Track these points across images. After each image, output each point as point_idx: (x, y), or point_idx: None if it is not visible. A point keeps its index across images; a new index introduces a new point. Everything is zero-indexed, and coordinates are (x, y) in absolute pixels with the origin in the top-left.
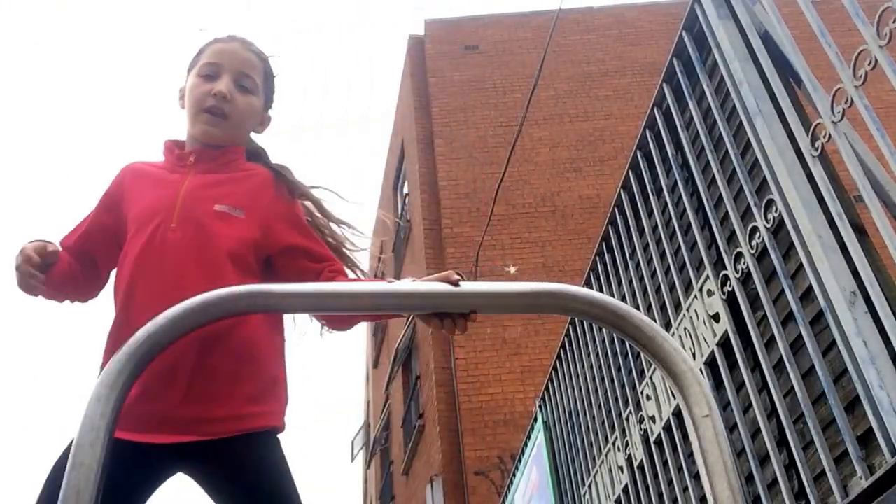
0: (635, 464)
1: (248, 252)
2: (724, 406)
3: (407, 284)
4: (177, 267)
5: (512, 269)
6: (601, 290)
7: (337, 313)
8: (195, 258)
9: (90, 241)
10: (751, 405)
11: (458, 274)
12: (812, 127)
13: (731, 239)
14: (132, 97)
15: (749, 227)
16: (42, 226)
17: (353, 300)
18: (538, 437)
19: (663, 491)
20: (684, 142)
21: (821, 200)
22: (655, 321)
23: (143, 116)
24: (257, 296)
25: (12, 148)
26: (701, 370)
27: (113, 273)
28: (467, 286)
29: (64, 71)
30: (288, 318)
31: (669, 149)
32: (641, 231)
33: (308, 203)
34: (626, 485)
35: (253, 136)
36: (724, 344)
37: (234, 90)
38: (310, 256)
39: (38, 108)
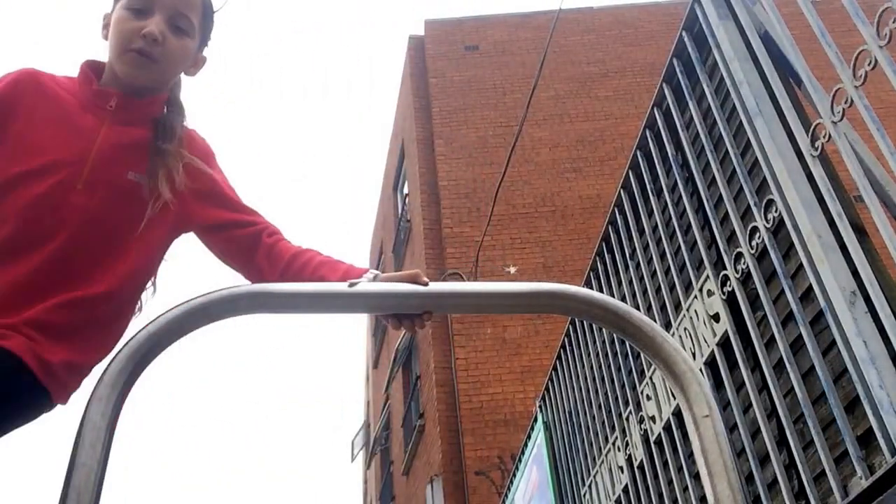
0: (635, 464)
1: (156, 231)
2: (725, 406)
3: (405, 286)
4: (73, 238)
5: (512, 269)
6: (601, 290)
7: (336, 313)
8: (95, 233)
9: None
10: (751, 405)
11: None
12: (812, 127)
13: (731, 239)
14: None
15: (749, 227)
16: None
17: (352, 301)
18: (538, 437)
19: (663, 491)
20: (684, 142)
21: (821, 200)
22: (655, 321)
23: None
24: (258, 296)
25: None
26: (701, 370)
27: None
28: (469, 286)
29: (64, 70)
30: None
31: (669, 149)
32: (641, 231)
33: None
34: (627, 485)
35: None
36: (725, 344)
37: (166, 31)
38: (238, 225)
39: None
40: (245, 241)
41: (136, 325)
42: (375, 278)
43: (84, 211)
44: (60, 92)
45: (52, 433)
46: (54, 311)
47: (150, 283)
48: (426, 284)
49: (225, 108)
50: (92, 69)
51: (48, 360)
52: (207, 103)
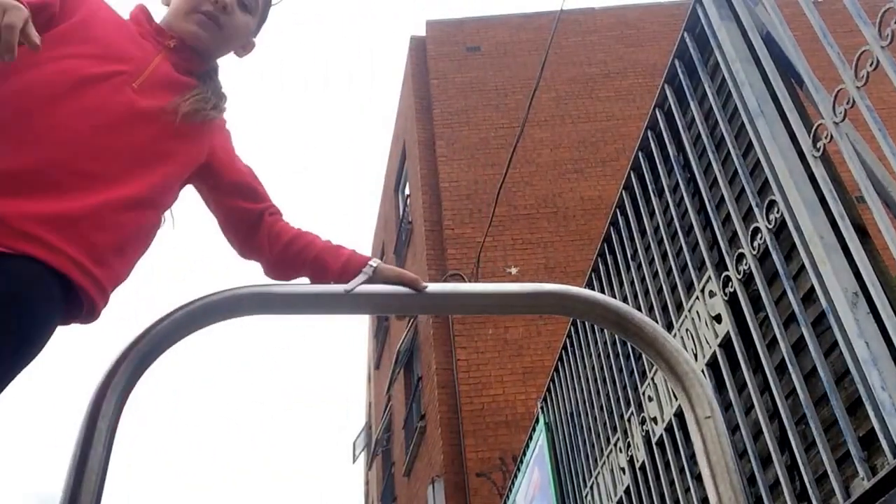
0: (637, 465)
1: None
2: (726, 407)
3: (404, 289)
4: (118, 131)
5: (513, 271)
6: (603, 291)
7: (336, 314)
8: (138, 134)
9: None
10: (753, 406)
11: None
12: (814, 128)
13: (733, 240)
14: None
15: (751, 228)
16: None
17: (355, 302)
18: (540, 439)
19: (665, 492)
20: (686, 142)
21: (822, 201)
22: (657, 322)
23: None
24: (258, 298)
25: None
26: (703, 371)
27: None
28: (471, 287)
29: None
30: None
31: (671, 149)
32: (643, 232)
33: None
34: (628, 486)
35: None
36: (726, 345)
37: (235, 3)
38: (246, 196)
39: None
40: (249, 215)
41: (138, 326)
42: (377, 269)
43: (132, 108)
44: (117, 17)
45: (55, 429)
46: (93, 209)
47: (164, 215)
48: (422, 290)
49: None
50: (149, 15)
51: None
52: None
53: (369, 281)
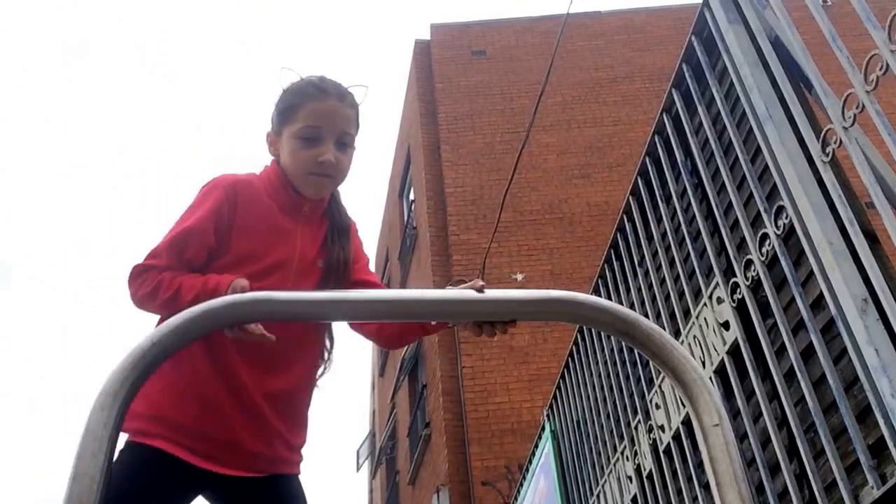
0: (644, 473)
1: None
2: (735, 415)
3: (412, 291)
4: (293, 329)
5: (519, 277)
6: (609, 298)
7: (341, 321)
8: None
9: (196, 262)
10: (761, 414)
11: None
12: (823, 132)
13: (741, 246)
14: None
15: (759, 234)
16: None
17: (354, 307)
18: (546, 447)
19: (672, 501)
20: (693, 147)
21: (832, 207)
22: (664, 329)
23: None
24: (262, 303)
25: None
26: (711, 379)
27: None
28: (473, 294)
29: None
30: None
31: (679, 155)
32: (650, 238)
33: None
34: (635, 494)
35: None
36: (734, 352)
37: (337, 153)
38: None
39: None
40: None
41: (140, 333)
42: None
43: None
44: (262, 197)
45: (56, 433)
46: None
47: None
48: (481, 290)
49: (227, 100)
50: (285, 178)
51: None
52: (212, 95)
53: None
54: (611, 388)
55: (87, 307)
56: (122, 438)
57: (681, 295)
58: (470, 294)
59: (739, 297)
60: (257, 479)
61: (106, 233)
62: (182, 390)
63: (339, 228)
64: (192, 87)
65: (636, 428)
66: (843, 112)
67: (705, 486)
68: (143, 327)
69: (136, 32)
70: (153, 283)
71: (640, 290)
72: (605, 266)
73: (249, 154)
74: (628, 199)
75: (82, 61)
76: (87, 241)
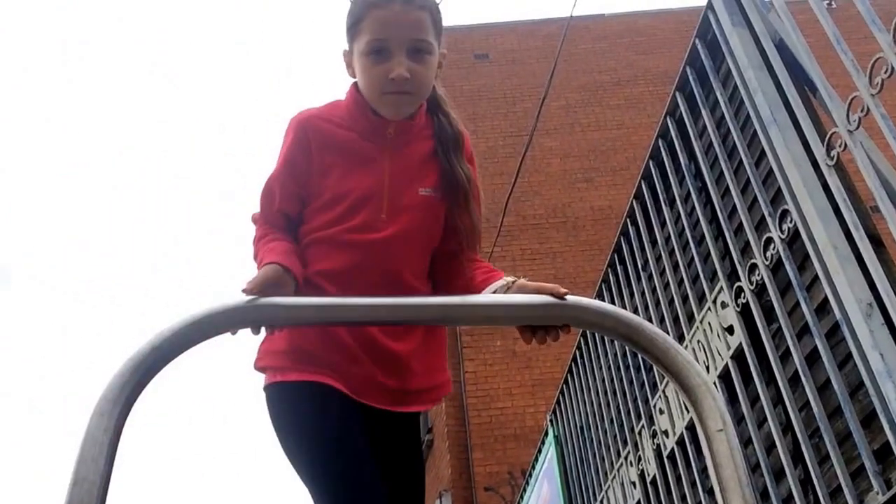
0: (648, 479)
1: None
2: (739, 420)
3: (418, 299)
4: (394, 261)
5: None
6: (613, 303)
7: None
8: (409, 251)
9: (298, 203)
10: (765, 419)
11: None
12: (827, 136)
13: (746, 250)
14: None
15: (763, 238)
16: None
17: (354, 312)
18: (549, 452)
19: None
20: (698, 151)
21: (836, 211)
22: (668, 334)
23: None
24: (265, 308)
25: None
26: (715, 383)
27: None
28: (478, 299)
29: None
30: None
31: (683, 158)
32: (654, 242)
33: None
34: (639, 500)
35: None
36: (739, 357)
37: (410, 64)
38: (460, 241)
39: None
40: (455, 259)
41: (139, 333)
42: (509, 286)
43: (392, 237)
44: (338, 131)
45: (60, 435)
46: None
47: None
48: (562, 296)
49: (228, 100)
50: (364, 100)
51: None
52: (213, 95)
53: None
54: (614, 393)
55: (88, 307)
56: (261, 382)
57: (685, 299)
58: (474, 298)
59: (744, 301)
60: (400, 414)
61: (106, 233)
62: (314, 331)
63: (449, 142)
64: (192, 87)
65: (640, 433)
66: (847, 115)
67: (709, 492)
68: (143, 328)
69: (136, 32)
70: (254, 237)
71: (643, 294)
72: (609, 270)
73: (249, 154)
74: (632, 202)
75: (82, 61)
76: (87, 241)
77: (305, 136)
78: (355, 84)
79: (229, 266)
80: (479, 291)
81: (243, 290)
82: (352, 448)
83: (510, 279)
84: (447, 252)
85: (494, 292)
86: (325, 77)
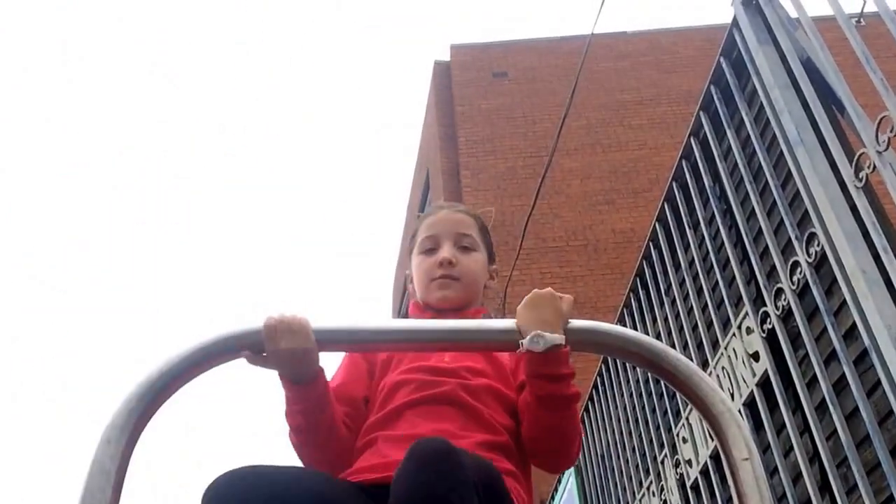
0: None
1: None
2: (765, 449)
3: (428, 322)
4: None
5: None
6: (635, 328)
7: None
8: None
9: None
10: (792, 448)
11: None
12: (856, 157)
13: (771, 274)
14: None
15: (790, 262)
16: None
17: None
18: (569, 482)
19: None
20: (722, 172)
21: (865, 234)
22: (692, 360)
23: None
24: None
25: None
26: (740, 411)
27: None
28: (499, 323)
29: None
30: None
31: (707, 180)
32: (677, 266)
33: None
34: None
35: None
36: (764, 384)
37: (456, 253)
38: None
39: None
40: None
41: (149, 363)
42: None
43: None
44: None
45: (75, 442)
46: None
47: None
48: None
49: (228, 100)
50: (417, 302)
51: None
52: (213, 95)
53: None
54: (636, 421)
55: (88, 307)
56: None
57: (709, 325)
58: (490, 324)
59: (769, 327)
60: None
61: (106, 233)
62: None
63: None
64: (192, 87)
65: (662, 462)
66: (877, 136)
67: None
68: (143, 328)
69: (136, 32)
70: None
71: (666, 319)
72: (631, 295)
73: (250, 154)
74: (655, 225)
75: (82, 61)
76: (87, 240)
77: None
78: (414, 302)
79: (229, 266)
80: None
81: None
82: None
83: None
84: None
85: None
86: (326, 77)
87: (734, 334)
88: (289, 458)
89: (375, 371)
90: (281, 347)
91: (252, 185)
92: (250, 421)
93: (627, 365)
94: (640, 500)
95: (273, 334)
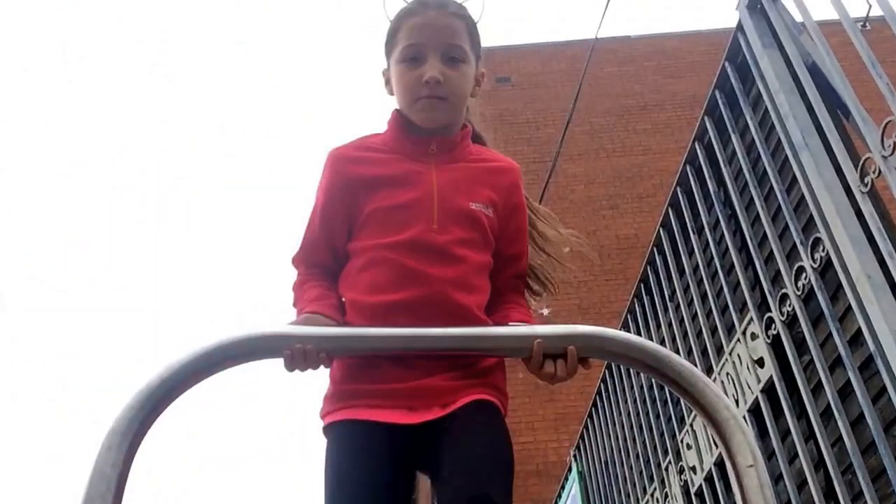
0: None
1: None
2: (769, 456)
3: (433, 329)
4: (445, 273)
5: (546, 311)
6: (639, 334)
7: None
8: (455, 267)
9: (331, 250)
10: (797, 455)
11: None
12: (861, 161)
13: (776, 279)
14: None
15: (795, 267)
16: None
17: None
18: (573, 488)
19: None
20: (727, 177)
21: (870, 239)
22: (696, 366)
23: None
24: (279, 339)
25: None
26: (744, 418)
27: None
28: (502, 330)
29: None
30: None
31: (711, 185)
32: (682, 271)
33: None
34: None
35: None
36: (769, 390)
37: (443, 68)
38: (512, 272)
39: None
40: (499, 286)
41: (151, 369)
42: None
43: (444, 248)
44: (375, 156)
45: (76, 444)
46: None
47: None
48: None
49: (228, 100)
50: (405, 121)
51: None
52: (213, 95)
53: None
54: (640, 428)
55: (88, 307)
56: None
57: (713, 330)
58: (494, 330)
59: (774, 332)
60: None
61: (106, 233)
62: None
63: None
64: (192, 87)
65: (667, 469)
66: (882, 140)
67: None
68: (143, 329)
69: (136, 32)
70: (294, 283)
71: (670, 325)
72: (635, 300)
73: (250, 154)
74: (659, 230)
75: (82, 61)
76: (87, 241)
77: (339, 166)
78: (397, 112)
79: (229, 266)
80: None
81: None
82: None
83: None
84: (494, 289)
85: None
86: (326, 77)
87: (739, 340)
88: (288, 458)
89: (356, 197)
90: (300, 370)
91: (252, 185)
92: (251, 425)
93: (631, 371)
94: None
95: (291, 361)
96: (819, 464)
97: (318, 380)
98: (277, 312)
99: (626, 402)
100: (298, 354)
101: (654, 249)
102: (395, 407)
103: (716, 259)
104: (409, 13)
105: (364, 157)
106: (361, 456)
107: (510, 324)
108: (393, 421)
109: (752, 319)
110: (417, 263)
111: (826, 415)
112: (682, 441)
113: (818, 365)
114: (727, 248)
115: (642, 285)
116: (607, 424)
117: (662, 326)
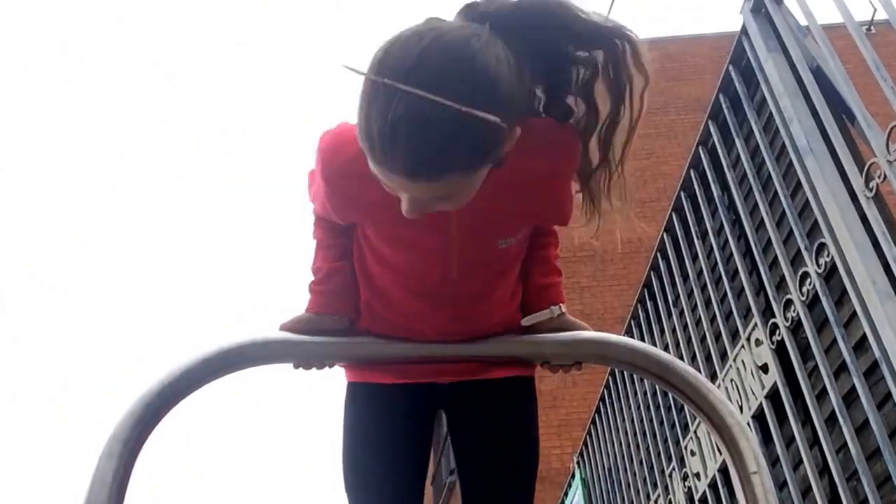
0: None
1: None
2: (774, 462)
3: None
4: (470, 310)
5: (560, 309)
6: (643, 339)
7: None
8: (483, 302)
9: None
10: (801, 461)
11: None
12: (866, 166)
13: (781, 285)
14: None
15: (799, 273)
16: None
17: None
18: (576, 495)
19: None
20: (731, 182)
21: (875, 244)
22: (700, 372)
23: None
24: (282, 345)
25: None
26: (748, 424)
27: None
28: (504, 336)
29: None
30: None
31: (715, 189)
32: (685, 277)
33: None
34: None
35: None
36: (773, 396)
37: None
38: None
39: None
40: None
41: (138, 333)
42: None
43: (467, 296)
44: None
45: (77, 444)
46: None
47: None
48: None
49: (228, 100)
50: None
51: None
52: (213, 95)
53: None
54: (644, 434)
55: (88, 307)
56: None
57: (717, 336)
58: (500, 342)
59: (779, 338)
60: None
61: (106, 233)
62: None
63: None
64: (192, 87)
65: (670, 476)
66: (887, 145)
67: None
68: (143, 330)
69: (136, 32)
70: (312, 231)
71: (674, 331)
72: (639, 306)
73: (250, 154)
74: (662, 236)
75: (82, 61)
76: (87, 241)
77: (339, 182)
78: None
79: (229, 266)
80: (527, 308)
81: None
82: (376, 458)
83: (556, 310)
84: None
85: (536, 322)
86: (325, 77)
87: (743, 346)
88: (290, 463)
89: (356, 215)
90: (306, 370)
91: (252, 185)
92: (252, 431)
93: (635, 377)
94: None
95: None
96: (824, 470)
97: (319, 381)
98: (277, 312)
99: (629, 408)
100: (304, 361)
101: (658, 254)
102: (423, 374)
103: (720, 264)
104: (373, 154)
105: (364, 172)
106: (384, 411)
107: (542, 311)
108: (419, 381)
109: (756, 325)
110: (433, 308)
111: (831, 421)
112: (685, 447)
113: (823, 371)
114: (731, 254)
115: (646, 291)
116: (610, 431)
117: (666, 332)
